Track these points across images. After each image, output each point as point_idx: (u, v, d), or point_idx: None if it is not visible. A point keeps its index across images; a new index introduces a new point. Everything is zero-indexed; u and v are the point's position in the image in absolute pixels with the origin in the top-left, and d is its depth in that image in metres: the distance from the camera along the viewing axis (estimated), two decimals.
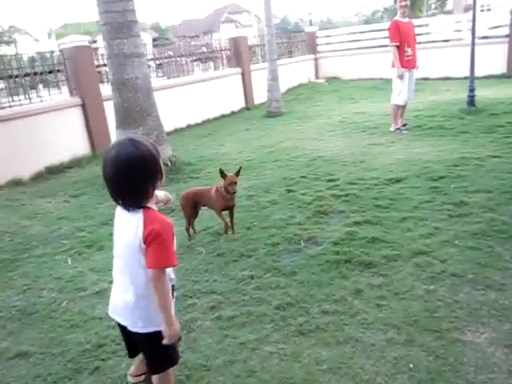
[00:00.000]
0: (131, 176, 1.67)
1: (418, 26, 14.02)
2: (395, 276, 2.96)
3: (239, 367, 2.32)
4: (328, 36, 15.57)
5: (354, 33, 15.19)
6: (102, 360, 2.51)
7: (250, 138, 7.87)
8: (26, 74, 7.63)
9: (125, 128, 5.83)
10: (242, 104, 11.38)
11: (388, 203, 4.14)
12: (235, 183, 3.69)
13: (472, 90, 7.54)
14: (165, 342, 1.77)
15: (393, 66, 6.78)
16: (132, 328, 1.86)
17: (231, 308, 2.83)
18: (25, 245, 4.23)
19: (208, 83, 10.44)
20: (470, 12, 7.84)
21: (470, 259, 3.06)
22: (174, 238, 1.76)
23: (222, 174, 3.70)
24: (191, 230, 4.01)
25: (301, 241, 3.61)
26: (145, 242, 1.67)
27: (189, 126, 9.64)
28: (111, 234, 4.22)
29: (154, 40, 43.06)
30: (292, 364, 2.29)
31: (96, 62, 8.06)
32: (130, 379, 2.28)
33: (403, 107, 7.00)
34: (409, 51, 6.66)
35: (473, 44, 7.41)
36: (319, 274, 3.10)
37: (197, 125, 9.80)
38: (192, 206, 3.94)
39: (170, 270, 1.84)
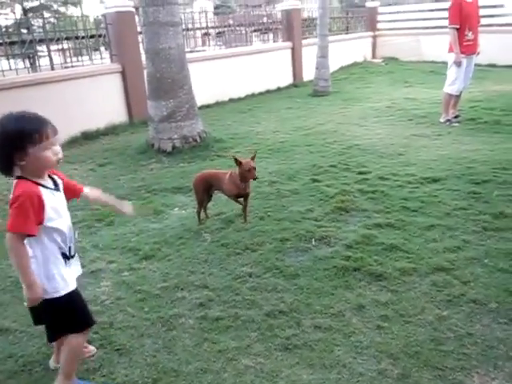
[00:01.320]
0: None
1: (493, 7, 12.92)
2: (406, 294, 2.63)
3: (210, 379, 2.12)
4: (391, 13, 14.62)
5: (423, 11, 14.12)
6: None
7: (289, 118, 7.52)
8: (92, 36, 7.72)
9: (156, 99, 5.69)
10: (290, 80, 10.96)
11: (418, 206, 3.74)
12: (254, 169, 3.43)
13: None
14: (26, 304, 1.88)
15: (450, 50, 6.15)
16: None
17: (219, 308, 2.63)
18: None
19: (255, 56, 10.09)
20: None
21: (497, 284, 2.67)
22: (43, 207, 1.78)
23: (237, 161, 3.44)
24: (202, 215, 3.82)
25: (312, 239, 3.33)
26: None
27: (231, 100, 9.39)
28: None
29: (215, 8, 42.60)
30: None
31: (140, 29, 7.91)
32: (51, 366, 2.27)
33: (457, 97, 6.38)
34: (469, 35, 6.00)
35: None
36: (322, 280, 2.82)
37: (239, 99, 9.52)
38: (205, 188, 3.73)
39: (65, 232, 1.92)
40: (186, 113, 5.65)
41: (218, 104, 9.01)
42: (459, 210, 3.63)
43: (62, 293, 1.88)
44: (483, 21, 11.64)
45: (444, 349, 2.20)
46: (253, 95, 9.87)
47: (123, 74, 7.45)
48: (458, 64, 6.07)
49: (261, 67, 10.08)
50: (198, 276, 2.98)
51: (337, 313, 2.51)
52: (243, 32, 11.11)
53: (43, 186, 1.82)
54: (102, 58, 7.80)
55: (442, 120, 6.45)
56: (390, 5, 15.97)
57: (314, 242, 3.29)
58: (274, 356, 2.24)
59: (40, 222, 1.78)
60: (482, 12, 11.70)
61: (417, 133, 6.03)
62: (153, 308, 2.69)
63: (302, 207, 3.89)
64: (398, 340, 2.28)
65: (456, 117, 6.42)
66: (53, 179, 1.92)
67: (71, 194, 2.07)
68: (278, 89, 10.50)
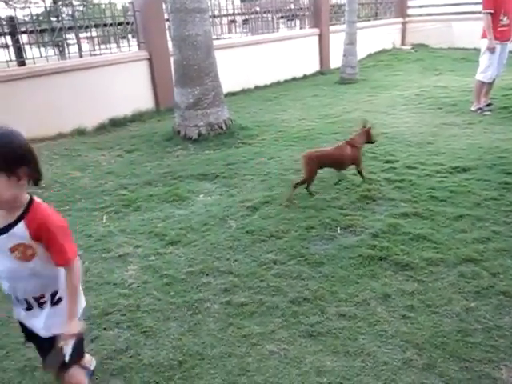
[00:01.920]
0: None
1: None
2: (433, 284, 2.60)
3: (234, 362, 2.15)
4: None
5: None
6: (104, 329, 2.46)
7: (316, 106, 7.44)
8: (119, 23, 7.77)
9: (182, 86, 5.71)
10: (317, 68, 10.81)
11: (446, 196, 3.67)
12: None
13: None
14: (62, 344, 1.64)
15: (483, 36, 5.96)
16: None
17: (244, 294, 2.65)
18: (69, 197, 4.31)
19: (282, 43, 9.97)
20: None
21: None
22: None
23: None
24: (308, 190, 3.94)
25: (337, 227, 3.31)
26: None
27: (257, 87, 9.33)
28: (151, 195, 4.23)
29: None
30: (290, 369, 2.08)
31: (167, 16, 7.93)
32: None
33: (489, 85, 6.19)
34: (504, 20, 5.78)
35: None
36: (347, 268, 2.81)
37: (265, 86, 9.44)
38: (317, 167, 3.87)
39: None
40: (211, 100, 5.66)
41: (244, 91, 8.98)
42: (490, 200, 3.54)
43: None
44: None
45: (471, 340, 2.17)
46: (278, 83, 9.78)
47: (150, 61, 7.49)
48: (492, 50, 5.87)
49: (287, 54, 9.97)
50: (223, 262, 3.01)
51: (362, 301, 2.50)
52: (269, 19, 11.00)
53: None
54: (129, 46, 7.84)
55: (473, 108, 6.28)
56: None
57: (339, 231, 3.27)
58: (297, 342, 2.25)
59: None
60: None
61: (446, 121, 5.88)
62: (178, 292, 2.73)
63: (327, 195, 3.86)
64: (424, 330, 2.25)
65: (488, 105, 6.23)
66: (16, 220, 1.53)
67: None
68: (305, 76, 10.37)
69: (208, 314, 2.51)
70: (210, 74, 5.64)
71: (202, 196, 4.16)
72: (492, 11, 5.75)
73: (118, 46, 7.65)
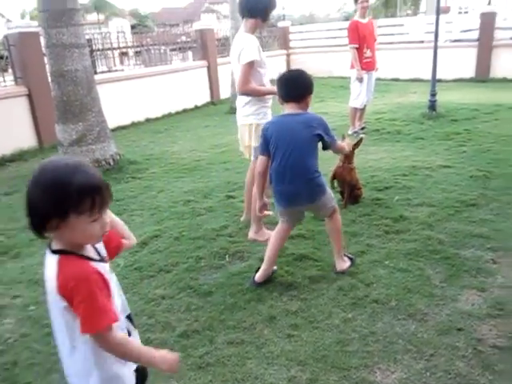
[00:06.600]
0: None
1: (392, 26, 13.98)
2: (315, 301, 2.75)
3: None
4: (301, 32, 15.30)
5: (329, 29, 14.92)
6: None
7: (206, 136, 7.57)
8: None
9: (64, 123, 5.49)
10: (208, 98, 11.04)
11: None
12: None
13: (433, 94, 7.39)
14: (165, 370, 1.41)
15: (352, 67, 6.60)
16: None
17: None
18: None
19: (172, 75, 10.06)
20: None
21: (397, 283, 2.87)
22: (108, 285, 1.35)
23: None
24: None
25: (226, 255, 3.37)
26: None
27: (148, 120, 9.27)
28: (32, 240, 3.96)
29: (132, 27, 41.98)
30: None
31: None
32: None
33: (362, 110, 6.82)
34: (368, 53, 6.46)
35: (435, 48, 7.24)
36: (235, 295, 2.86)
37: (156, 119, 9.41)
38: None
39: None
40: (96, 136, 5.51)
41: (134, 125, 8.86)
42: (363, 216, 3.86)
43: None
44: (386, 39, 12.63)
45: (349, 349, 2.32)
46: (170, 115, 9.82)
47: (30, 97, 7.12)
48: (360, 80, 6.50)
49: (178, 86, 10.07)
50: None
51: (249, 326, 2.56)
52: (162, 51, 11.08)
53: (90, 259, 1.34)
54: (5, 81, 7.37)
55: (350, 132, 6.83)
56: (301, 24, 16.70)
57: (227, 258, 3.33)
58: (187, 377, 2.23)
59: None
60: (384, 31, 12.69)
61: None
62: None
63: (216, 225, 3.92)
64: (307, 346, 2.37)
65: (362, 128, 6.84)
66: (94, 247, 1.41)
67: (113, 253, 1.53)
68: (196, 107, 10.54)
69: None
70: (94, 110, 5.50)
71: None
72: (357, 45, 6.39)
73: None
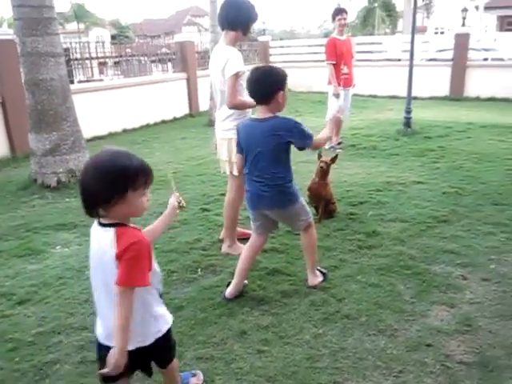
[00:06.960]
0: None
1: (371, 44, 14.28)
2: (286, 316, 2.73)
3: None
4: (281, 47, 15.50)
5: (309, 45, 15.16)
6: None
7: (183, 148, 7.54)
8: None
9: (38, 132, 5.39)
10: (186, 110, 11.03)
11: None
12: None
13: (409, 111, 7.55)
14: (104, 370, 1.59)
15: (329, 83, 6.69)
16: (140, 344, 1.71)
17: None
18: None
19: (151, 86, 10.04)
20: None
21: (368, 298, 2.88)
22: (152, 253, 1.65)
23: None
24: None
25: (198, 269, 3.34)
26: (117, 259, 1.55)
27: (125, 131, 9.19)
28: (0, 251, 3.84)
29: (112, 37, 41.83)
30: None
31: None
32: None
33: (338, 125, 6.89)
34: (345, 69, 6.57)
35: (411, 66, 7.42)
36: (207, 309, 2.83)
37: (134, 129, 9.34)
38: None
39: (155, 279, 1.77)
40: (71, 145, 5.43)
41: (111, 135, 8.77)
42: (337, 231, 3.88)
43: (171, 321, 1.84)
44: (365, 56, 12.88)
45: (319, 365, 2.31)
46: (148, 126, 9.76)
47: (3, 105, 6.99)
48: (337, 96, 6.59)
49: (156, 97, 10.04)
50: (78, 317, 2.83)
51: (219, 341, 2.52)
52: (142, 62, 11.05)
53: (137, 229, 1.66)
54: None
55: (327, 147, 6.89)
56: (281, 39, 16.92)
57: (199, 272, 3.30)
58: None
59: (150, 268, 1.63)
60: (363, 48, 12.92)
61: (303, 159, 6.35)
62: (25, 357, 2.49)
63: (190, 238, 3.89)
64: (277, 362, 2.34)
65: (339, 143, 6.92)
66: None
67: None
68: (175, 119, 10.51)
69: (57, 377, 2.32)
70: (68, 119, 5.43)
71: (58, 248, 3.90)
72: (334, 62, 6.49)
73: None
